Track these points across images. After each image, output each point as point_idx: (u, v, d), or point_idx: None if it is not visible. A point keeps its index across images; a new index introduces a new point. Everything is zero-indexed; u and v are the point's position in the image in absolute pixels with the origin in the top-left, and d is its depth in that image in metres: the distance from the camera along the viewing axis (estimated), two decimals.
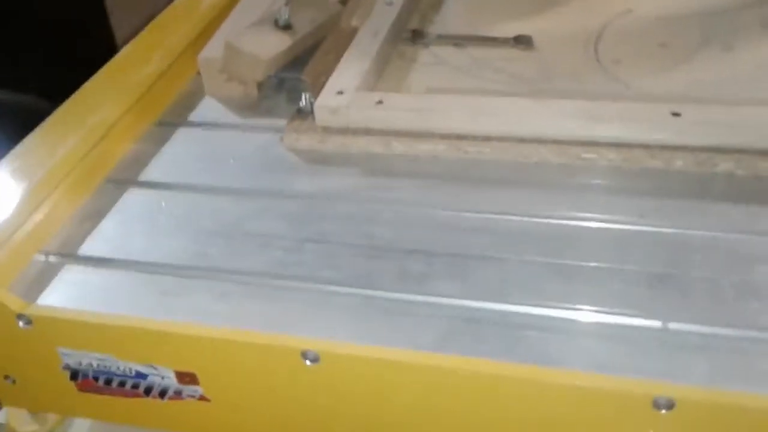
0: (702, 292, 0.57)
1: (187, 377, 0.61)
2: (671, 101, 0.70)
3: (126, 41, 0.92)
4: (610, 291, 0.58)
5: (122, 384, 0.63)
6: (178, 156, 0.79)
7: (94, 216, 0.71)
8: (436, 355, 0.54)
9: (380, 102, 0.75)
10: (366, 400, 0.57)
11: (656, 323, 0.54)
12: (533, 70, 0.83)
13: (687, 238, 0.62)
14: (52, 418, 0.75)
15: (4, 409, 0.77)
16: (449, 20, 0.94)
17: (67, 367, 0.64)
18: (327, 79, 0.79)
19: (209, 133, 0.81)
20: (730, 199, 0.65)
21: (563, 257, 0.61)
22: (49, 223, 0.68)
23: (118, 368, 0.62)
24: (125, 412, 0.66)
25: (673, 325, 0.54)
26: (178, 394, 0.62)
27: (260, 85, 0.86)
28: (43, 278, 0.65)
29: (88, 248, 0.68)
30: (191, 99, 0.87)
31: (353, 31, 0.88)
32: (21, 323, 0.61)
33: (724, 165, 0.67)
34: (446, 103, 0.75)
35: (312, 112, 0.77)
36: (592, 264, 0.60)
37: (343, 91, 0.76)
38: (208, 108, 0.85)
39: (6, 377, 0.67)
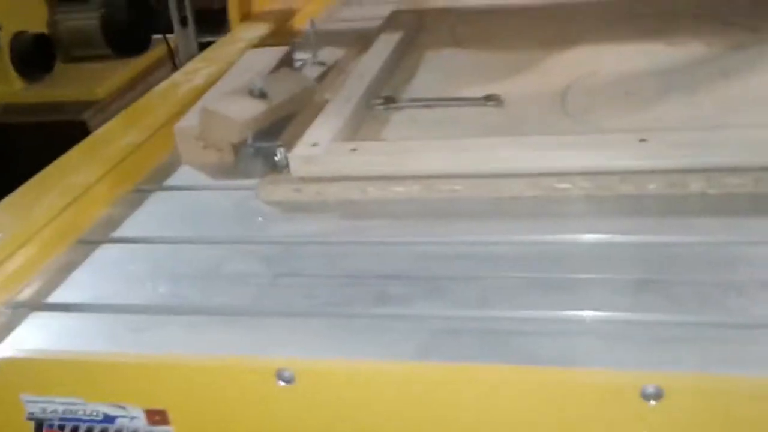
0: (685, 293, 0.56)
1: (157, 416, 0.57)
2: (638, 131, 0.71)
3: None
4: (592, 296, 0.57)
5: (89, 430, 0.60)
6: (152, 216, 0.78)
7: (64, 269, 0.69)
8: (417, 363, 0.52)
9: (354, 149, 0.76)
10: (346, 418, 0.54)
11: (636, 316, 0.53)
12: (503, 122, 0.85)
13: (664, 248, 0.61)
14: None
15: None
16: (420, 87, 0.97)
17: (31, 417, 0.60)
18: None
19: (184, 195, 0.82)
20: (704, 215, 0.65)
21: (541, 272, 0.60)
22: (18, 275, 0.67)
23: (85, 412, 0.59)
24: None
25: (651, 317, 0.52)
26: None
27: (237, 152, 0.87)
28: (8, 327, 0.62)
29: (56, 297, 0.66)
30: (168, 168, 0.88)
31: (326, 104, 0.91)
32: None
33: (696, 185, 0.67)
34: (418, 146, 0.76)
35: (287, 166, 0.78)
36: (571, 276, 0.59)
37: (318, 143, 0.77)
38: (185, 174, 0.86)
39: None
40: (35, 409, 0.60)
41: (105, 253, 0.72)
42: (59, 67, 2.04)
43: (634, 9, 1.11)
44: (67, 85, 2.02)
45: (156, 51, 2.21)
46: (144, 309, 0.62)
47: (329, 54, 1.11)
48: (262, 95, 0.88)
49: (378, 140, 0.84)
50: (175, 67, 1.72)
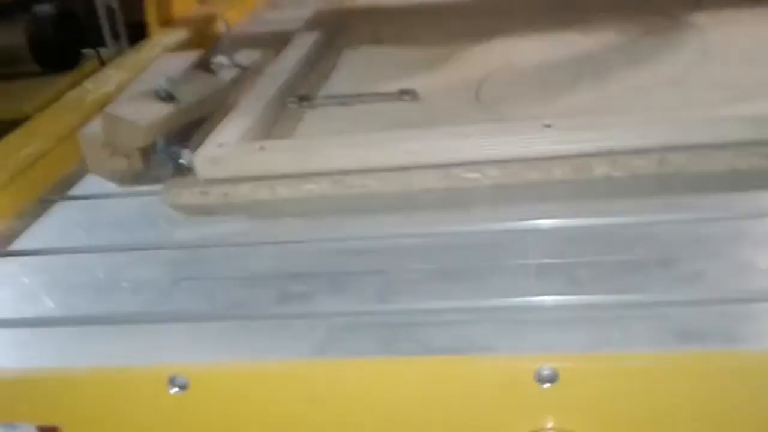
0: (584, 274, 0.55)
1: None
2: (544, 118, 0.71)
3: None
4: (492, 284, 0.56)
5: None
6: (53, 226, 0.76)
7: None
8: (312, 361, 0.50)
9: (262, 148, 0.74)
10: (244, 420, 0.52)
11: (534, 300, 0.52)
12: (418, 116, 0.84)
13: (569, 231, 0.61)
14: None
15: None
16: (336, 85, 0.95)
17: None
18: None
19: (89, 204, 0.79)
20: (609, 197, 0.65)
21: (444, 262, 0.59)
22: None
23: None
24: None
25: (546, 299, 0.52)
26: None
27: (146, 158, 0.84)
28: None
29: None
30: (75, 177, 0.85)
31: None
32: None
33: (601, 169, 0.67)
34: (327, 142, 0.74)
35: (193, 168, 0.75)
36: (474, 264, 0.58)
37: (225, 144, 0.75)
38: (92, 183, 0.83)
39: None
40: None
41: (0, 266, 0.69)
42: None
43: (551, 1, 1.11)
44: None
45: (88, 66, 2.16)
46: (34, 322, 0.59)
47: (248, 56, 1.09)
48: (170, 98, 0.85)
49: (291, 137, 0.83)
50: None
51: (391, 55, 1.04)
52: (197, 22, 1.31)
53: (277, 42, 1.09)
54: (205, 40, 1.26)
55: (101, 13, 2.34)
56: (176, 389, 0.51)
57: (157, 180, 0.81)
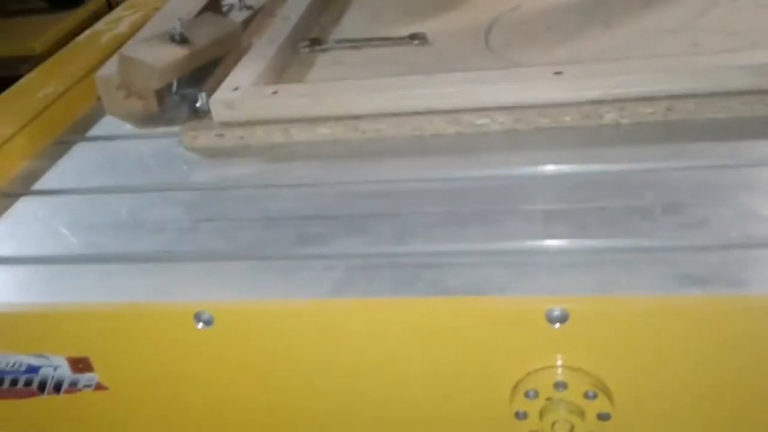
0: (592, 220, 0.57)
1: (80, 364, 0.58)
2: (554, 65, 0.72)
3: None
4: (506, 227, 0.58)
5: (14, 382, 0.60)
6: (73, 167, 0.77)
7: None
8: (330, 300, 0.53)
9: (275, 92, 0.75)
10: (265, 356, 0.55)
11: (545, 244, 0.54)
12: (428, 61, 0.85)
13: (577, 177, 0.62)
14: None
15: None
16: (347, 28, 0.96)
17: None
18: None
19: (107, 145, 0.81)
20: (617, 144, 0.66)
21: (458, 206, 0.61)
22: None
23: (8, 364, 0.59)
24: (23, 417, 0.62)
25: (556, 243, 0.54)
26: (73, 385, 0.59)
27: (161, 100, 0.86)
28: None
29: None
30: (91, 119, 0.86)
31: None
32: None
33: (609, 115, 0.68)
34: (339, 87, 0.75)
35: (209, 111, 0.77)
36: (487, 208, 0.60)
37: (239, 87, 0.77)
38: (108, 124, 0.84)
39: None
40: None
41: (24, 206, 0.71)
42: None
43: None
44: (3, 40, 1.95)
45: (93, 3, 2.14)
46: (60, 259, 0.62)
47: None
48: (183, 40, 0.86)
49: (302, 82, 0.84)
50: None
51: None
52: None
53: None
54: None
55: None
56: (202, 324, 0.53)
57: (172, 122, 0.83)
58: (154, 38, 0.86)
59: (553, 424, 0.51)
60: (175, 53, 0.84)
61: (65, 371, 0.58)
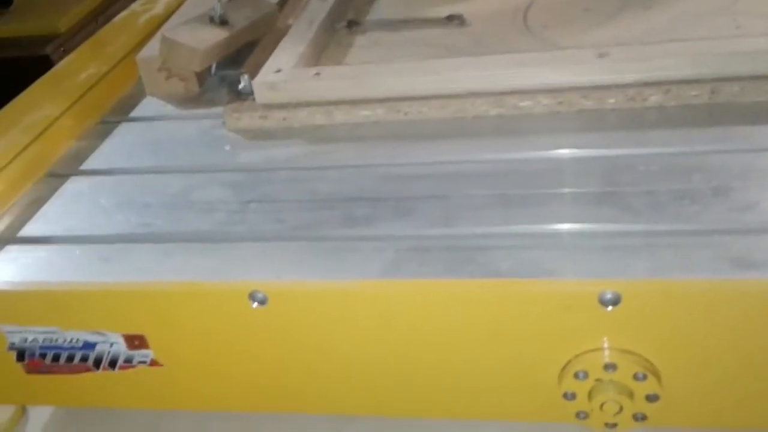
0: (641, 203, 0.57)
1: (136, 340, 0.59)
2: (597, 47, 0.72)
3: None
4: (554, 210, 0.58)
5: (71, 359, 0.61)
6: (119, 147, 0.78)
7: (34, 203, 0.70)
8: (383, 281, 0.54)
9: (318, 74, 0.76)
10: (317, 336, 0.56)
11: (595, 227, 0.55)
12: (466, 43, 0.85)
13: (624, 160, 0.63)
14: (3, 419, 0.73)
15: None
16: (383, 9, 0.96)
17: (12, 347, 0.62)
18: None
19: (150, 125, 0.82)
20: (661, 127, 0.66)
21: (504, 188, 0.62)
22: None
23: (65, 340, 0.60)
24: (78, 392, 0.64)
25: (609, 227, 0.54)
26: (128, 361, 0.60)
27: (201, 82, 0.87)
28: None
29: (28, 231, 0.66)
30: (132, 100, 0.87)
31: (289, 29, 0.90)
32: None
33: (654, 98, 0.69)
34: (382, 69, 0.76)
35: (251, 93, 0.78)
36: (533, 191, 0.61)
37: (281, 69, 0.77)
38: (150, 105, 0.86)
39: None
40: (16, 339, 0.61)
41: (74, 185, 0.72)
42: (18, 1, 1.98)
43: None
44: (27, 19, 1.96)
45: None
46: (115, 238, 0.63)
47: None
48: (223, 22, 0.87)
49: (342, 64, 0.84)
50: None
51: None
52: None
53: None
54: None
55: None
56: (256, 304, 0.55)
57: (212, 103, 0.84)
58: (194, 20, 0.87)
59: (602, 404, 0.52)
60: (215, 35, 0.85)
61: (121, 348, 0.60)
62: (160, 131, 0.80)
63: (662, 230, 0.53)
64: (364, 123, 0.75)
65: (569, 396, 0.53)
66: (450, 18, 0.90)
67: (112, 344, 0.60)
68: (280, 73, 0.77)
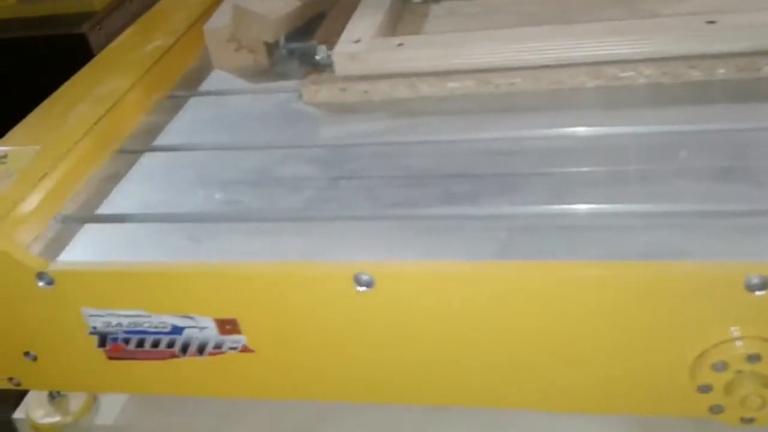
0: None
1: (228, 325, 0.56)
2: (695, 14, 0.67)
3: None
4: (674, 188, 0.54)
5: (156, 344, 0.58)
6: (191, 122, 0.75)
7: (109, 180, 0.67)
8: (499, 263, 0.50)
9: (401, 44, 0.72)
10: (427, 322, 0.52)
11: (726, 207, 0.51)
12: (545, 10, 0.80)
13: (739, 135, 0.59)
14: (75, 407, 0.70)
15: (24, 403, 0.72)
16: None
17: (94, 331, 0.59)
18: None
19: (222, 100, 0.78)
20: None
21: (615, 165, 0.58)
22: (63, 186, 0.64)
23: (151, 324, 0.57)
24: (160, 380, 0.61)
25: (734, 206, 0.50)
26: (218, 347, 0.57)
27: (270, 54, 0.83)
28: (61, 240, 0.60)
29: (107, 209, 0.63)
30: (199, 73, 0.84)
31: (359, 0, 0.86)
32: (41, 283, 0.56)
33: None
34: (470, 38, 0.72)
35: (329, 65, 0.74)
36: (647, 167, 0.57)
37: (360, 40, 0.73)
38: (219, 79, 0.82)
39: (26, 354, 0.62)
40: (98, 323, 0.58)
41: (149, 161, 0.69)
42: None
43: None
44: None
45: None
46: (201, 217, 0.60)
47: None
48: None
49: (419, 34, 0.80)
50: None
51: None
52: None
53: None
54: None
55: None
56: (362, 287, 0.51)
57: (281, 77, 0.80)
58: None
59: (743, 398, 0.47)
60: (288, 5, 0.81)
61: (211, 332, 0.56)
62: (232, 106, 0.77)
63: None
64: (450, 96, 0.70)
65: (704, 389, 0.49)
66: None
67: (202, 329, 0.57)
68: (360, 44, 0.73)
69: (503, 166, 0.60)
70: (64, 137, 0.67)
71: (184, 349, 0.58)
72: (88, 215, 0.62)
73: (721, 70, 0.65)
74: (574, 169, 0.58)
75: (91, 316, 0.58)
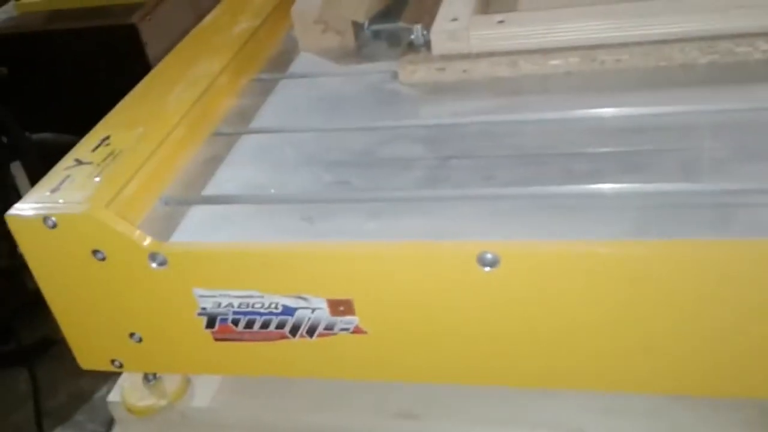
0: None
1: (341, 306, 0.55)
2: None
3: None
4: None
5: (265, 325, 0.57)
6: (285, 105, 0.74)
7: (210, 162, 0.66)
8: (635, 242, 0.48)
9: (502, 21, 0.70)
10: (555, 304, 0.50)
11: None
12: None
13: None
14: (170, 390, 0.70)
15: (117, 386, 0.72)
16: None
17: (203, 312, 0.58)
18: (432, 18, 0.75)
19: (314, 82, 0.77)
20: None
21: (743, 142, 0.55)
22: (167, 168, 0.64)
23: (263, 305, 0.56)
24: (267, 361, 0.60)
25: None
26: (329, 329, 0.56)
27: (356, 36, 0.82)
28: (170, 221, 0.59)
29: (212, 190, 0.62)
30: (287, 56, 0.83)
31: None
32: (154, 264, 0.56)
33: None
34: (574, 14, 0.69)
35: (425, 45, 0.72)
36: None
37: (458, 18, 0.72)
38: (307, 61, 0.81)
39: (131, 335, 0.61)
40: (208, 304, 0.57)
41: (248, 143, 0.68)
42: None
43: None
44: None
45: None
46: (312, 197, 0.58)
47: None
48: None
49: (515, 11, 0.78)
50: None
51: None
52: None
53: None
54: None
55: None
56: (487, 267, 0.49)
57: (372, 58, 0.79)
58: None
59: None
60: None
61: (323, 314, 0.55)
62: (325, 87, 0.75)
63: None
64: (552, 74, 0.68)
65: None
66: None
67: (314, 309, 0.55)
68: (459, 22, 0.71)
69: (622, 143, 0.58)
70: (164, 120, 0.66)
71: (294, 330, 0.57)
72: (195, 197, 0.61)
73: None
74: (700, 146, 0.56)
75: (201, 296, 0.57)
